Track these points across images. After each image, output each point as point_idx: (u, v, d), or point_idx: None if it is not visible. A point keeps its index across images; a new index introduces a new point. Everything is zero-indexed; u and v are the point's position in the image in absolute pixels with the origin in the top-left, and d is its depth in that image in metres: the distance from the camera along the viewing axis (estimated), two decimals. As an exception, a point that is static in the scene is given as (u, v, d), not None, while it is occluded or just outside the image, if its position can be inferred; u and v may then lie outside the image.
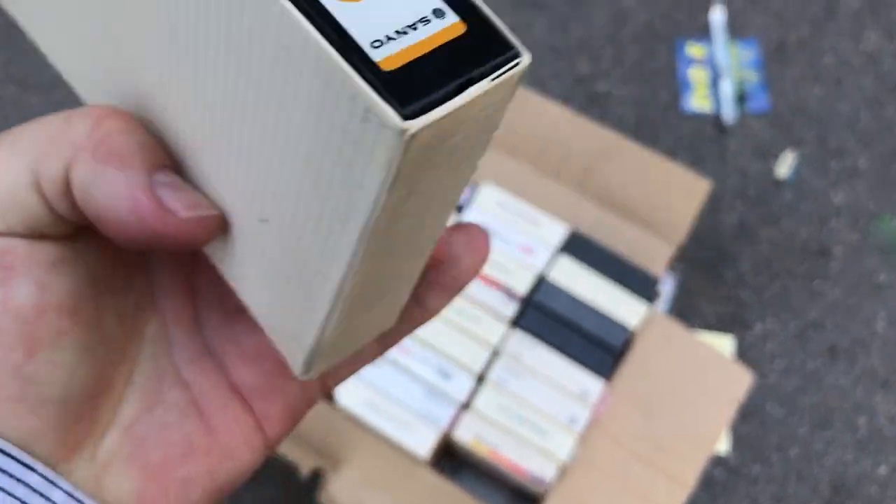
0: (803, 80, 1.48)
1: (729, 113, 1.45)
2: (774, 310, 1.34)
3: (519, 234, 0.98)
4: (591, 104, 1.48)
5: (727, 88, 1.47)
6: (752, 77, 1.48)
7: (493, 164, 1.05)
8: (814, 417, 1.28)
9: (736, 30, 1.52)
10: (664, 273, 1.10)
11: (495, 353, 0.92)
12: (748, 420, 1.28)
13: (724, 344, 1.32)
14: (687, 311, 1.33)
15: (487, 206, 1.00)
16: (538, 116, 1.05)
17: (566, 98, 1.48)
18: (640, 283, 0.96)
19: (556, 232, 0.98)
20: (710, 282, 1.36)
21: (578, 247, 0.98)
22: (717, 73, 1.48)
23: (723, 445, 1.26)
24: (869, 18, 1.52)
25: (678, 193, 1.02)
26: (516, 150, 1.05)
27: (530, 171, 1.04)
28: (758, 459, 1.25)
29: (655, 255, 1.01)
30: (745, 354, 1.31)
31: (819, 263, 1.37)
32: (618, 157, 1.04)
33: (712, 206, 1.40)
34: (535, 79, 1.49)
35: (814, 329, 1.33)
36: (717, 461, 1.24)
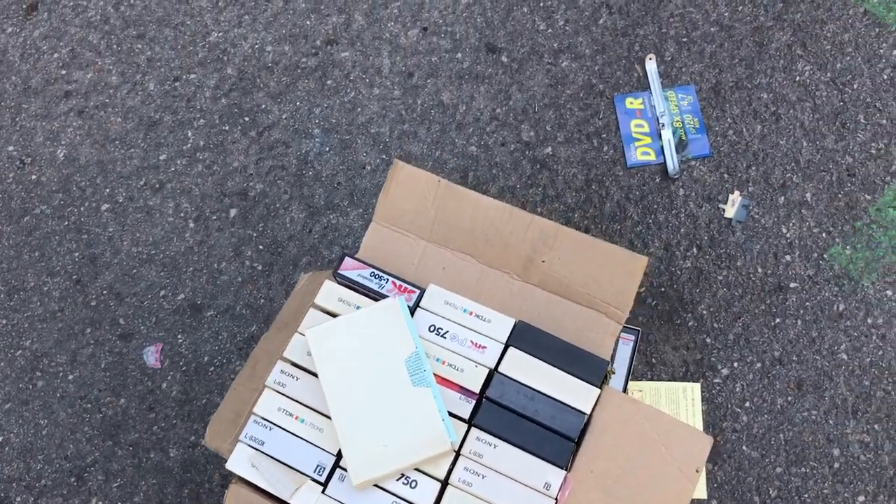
0: (742, 119, 1.53)
1: (673, 161, 1.49)
2: (738, 351, 1.38)
3: (468, 332, 1.02)
4: (540, 169, 1.52)
5: (668, 137, 1.51)
6: (693, 122, 1.52)
7: (437, 261, 1.09)
8: (789, 455, 1.31)
9: (672, 78, 1.57)
10: (619, 340, 1.14)
11: (457, 455, 0.96)
12: (725, 464, 1.31)
13: (692, 391, 1.35)
14: (654, 363, 1.37)
15: (435, 307, 1.04)
16: (476, 210, 1.10)
17: (514, 165, 1.52)
18: (589, 368, 1.00)
19: (504, 325, 1.02)
20: (674, 330, 1.40)
21: (527, 338, 1.01)
22: (658, 123, 1.53)
23: (702, 492, 1.29)
24: (800, 50, 1.57)
25: (618, 272, 1.05)
26: (459, 245, 1.09)
27: (474, 265, 1.08)
28: (738, 503, 1.28)
29: (604, 333, 1.05)
30: (714, 399, 1.35)
31: (777, 300, 1.40)
32: (557, 243, 1.07)
33: (667, 256, 1.44)
34: (482, 146, 1.54)
35: (779, 366, 1.36)
36: (699, 511, 1.27)
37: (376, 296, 1.05)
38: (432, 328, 1.02)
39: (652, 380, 1.37)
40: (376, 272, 1.06)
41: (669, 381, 1.37)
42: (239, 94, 1.63)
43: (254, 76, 1.65)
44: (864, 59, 1.55)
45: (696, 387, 1.36)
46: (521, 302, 1.07)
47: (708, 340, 1.39)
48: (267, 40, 1.67)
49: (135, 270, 1.51)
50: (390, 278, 1.05)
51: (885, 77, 1.53)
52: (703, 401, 1.35)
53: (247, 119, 1.61)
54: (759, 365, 1.37)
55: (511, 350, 1.01)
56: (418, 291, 1.05)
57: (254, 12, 1.70)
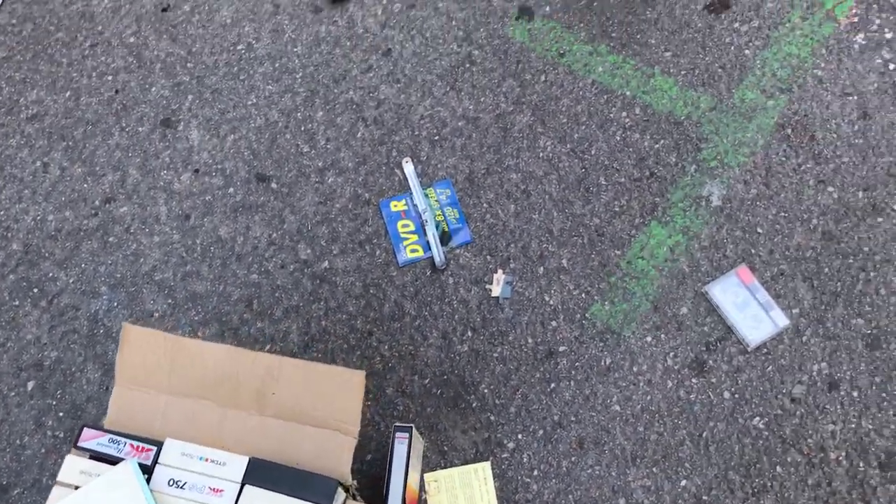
0: (497, 201, 1.64)
1: (439, 254, 1.59)
2: (521, 423, 1.45)
3: (206, 479, 1.07)
4: (320, 283, 1.60)
5: (432, 232, 1.60)
6: (453, 214, 1.63)
7: (179, 412, 1.15)
8: (579, 513, 1.38)
9: (430, 176, 1.68)
10: (395, 439, 1.20)
11: None
12: (522, 536, 1.37)
13: (484, 471, 1.42)
14: (445, 450, 1.43)
15: (173, 460, 1.09)
16: (203, 357, 1.16)
17: (295, 285, 1.60)
18: (320, 489, 1.05)
19: (239, 465, 1.08)
20: (460, 414, 1.47)
21: (260, 473, 1.07)
22: (422, 221, 1.62)
23: (504, 569, 1.35)
24: (540, 128, 1.70)
25: (341, 389, 1.12)
26: (197, 393, 1.15)
27: (214, 409, 1.14)
28: (537, 572, 1.34)
29: (340, 450, 1.11)
30: (504, 474, 1.41)
31: (550, 366, 1.49)
32: (281, 374, 1.14)
33: (446, 344, 1.52)
34: (263, 272, 1.61)
35: (560, 429, 1.44)
36: (500, 588, 1.32)
37: (116, 461, 1.09)
38: (171, 482, 1.07)
39: (445, 468, 1.43)
40: (114, 437, 1.10)
41: (462, 464, 1.43)
42: (26, 268, 1.68)
43: (39, 247, 1.70)
44: (597, 125, 1.68)
45: (487, 465, 1.42)
46: (261, 436, 1.13)
47: (492, 418, 1.46)
48: (48, 210, 1.73)
49: (-61, 463, 1.53)
50: (127, 441, 1.10)
51: (618, 138, 1.66)
52: (494, 477, 1.42)
53: (36, 290, 1.65)
54: (541, 432, 1.44)
55: (247, 488, 1.06)
56: (155, 448, 1.10)
57: (32, 185, 1.76)
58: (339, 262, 1.62)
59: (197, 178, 1.73)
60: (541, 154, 1.67)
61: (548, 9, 1.81)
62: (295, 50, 1.84)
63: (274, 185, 1.71)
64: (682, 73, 1.71)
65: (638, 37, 1.75)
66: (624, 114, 1.69)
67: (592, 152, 1.66)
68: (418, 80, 1.78)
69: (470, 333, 1.53)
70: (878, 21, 1.71)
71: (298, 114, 1.77)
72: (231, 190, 1.71)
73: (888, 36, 1.69)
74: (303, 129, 1.76)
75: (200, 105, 1.81)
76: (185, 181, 1.73)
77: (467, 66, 1.78)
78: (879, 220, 1.53)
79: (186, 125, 1.79)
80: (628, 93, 1.70)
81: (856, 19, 1.71)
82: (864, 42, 1.69)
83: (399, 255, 1.61)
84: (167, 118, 1.80)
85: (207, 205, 1.70)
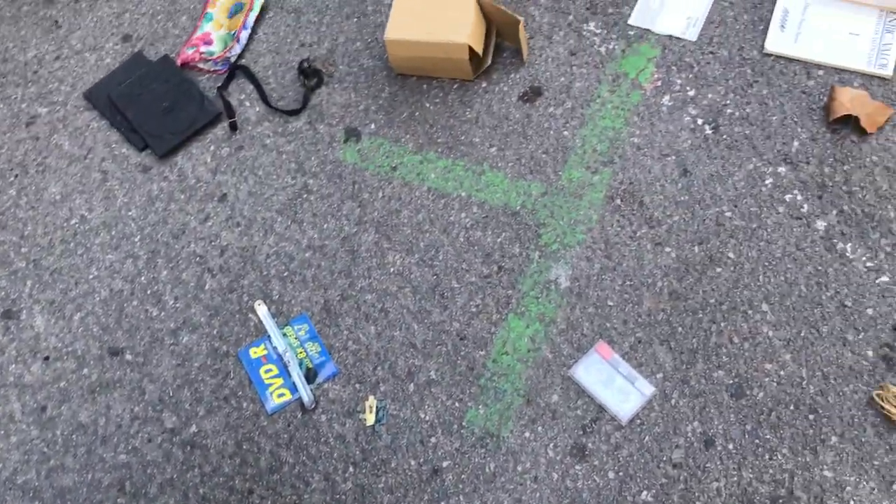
0: (357, 326, 1.63)
1: (306, 393, 1.56)
2: (418, 551, 1.42)
3: None
4: (191, 450, 1.54)
5: (296, 371, 1.58)
6: (315, 349, 1.61)
7: None
8: None
9: (285, 315, 1.66)
10: None
11: None
12: None
13: None
14: None
15: None
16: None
17: (166, 457, 1.54)
18: None
19: None
20: (356, 557, 1.43)
21: None
22: (284, 362, 1.60)
23: None
24: (386, 243, 1.71)
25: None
26: None
27: None
28: None
29: None
30: None
31: (437, 484, 1.47)
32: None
33: (329, 486, 1.49)
34: (131, 451, 1.55)
35: (457, 548, 1.42)
36: None
37: None
38: None
39: None
40: None
41: None
42: None
43: None
44: (440, 230, 1.71)
45: None
46: None
47: (388, 552, 1.43)
48: None
49: None
50: None
51: (462, 239, 1.69)
52: None
53: None
54: (439, 556, 1.42)
55: None
56: None
57: None
58: (207, 424, 1.57)
59: (48, 366, 1.67)
60: (391, 269, 1.68)
61: (373, 126, 1.85)
62: (130, 213, 1.82)
63: (129, 357, 1.66)
64: (510, 164, 1.76)
65: (462, 138, 1.80)
66: (463, 214, 1.72)
67: (440, 258, 1.68)
68: (258, 219, 1.78)
69: (352, 469, 1.50)
70: (679, 81, 1.81)
71: (142, 277, 1.74)
72: (85, 371, 1.65)
73: (691, 93, 1.78)
74: (149, 292, 1.72)
75: (41, 289, 1.76)
76: (37, 371, 1.66)
77: (305, 196, 1.79)
78: (718, 269, 1.59)
79: (29, 312, 1.73)
80: (463, 193, 1.74)
81: (659, 83, 1.81)
82: (670, 103, 1.78)
83: (267, 403, 1.58)
84: (8, 309, 1.74)
85: (63, 392, 1.64)
